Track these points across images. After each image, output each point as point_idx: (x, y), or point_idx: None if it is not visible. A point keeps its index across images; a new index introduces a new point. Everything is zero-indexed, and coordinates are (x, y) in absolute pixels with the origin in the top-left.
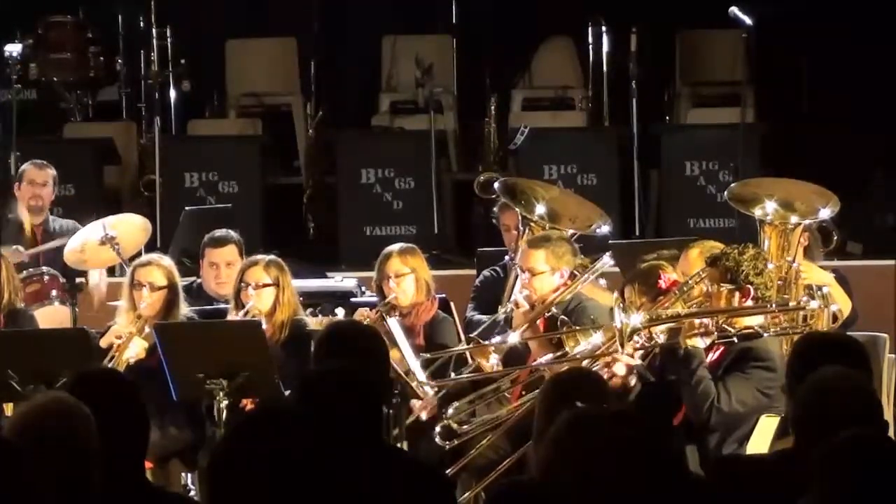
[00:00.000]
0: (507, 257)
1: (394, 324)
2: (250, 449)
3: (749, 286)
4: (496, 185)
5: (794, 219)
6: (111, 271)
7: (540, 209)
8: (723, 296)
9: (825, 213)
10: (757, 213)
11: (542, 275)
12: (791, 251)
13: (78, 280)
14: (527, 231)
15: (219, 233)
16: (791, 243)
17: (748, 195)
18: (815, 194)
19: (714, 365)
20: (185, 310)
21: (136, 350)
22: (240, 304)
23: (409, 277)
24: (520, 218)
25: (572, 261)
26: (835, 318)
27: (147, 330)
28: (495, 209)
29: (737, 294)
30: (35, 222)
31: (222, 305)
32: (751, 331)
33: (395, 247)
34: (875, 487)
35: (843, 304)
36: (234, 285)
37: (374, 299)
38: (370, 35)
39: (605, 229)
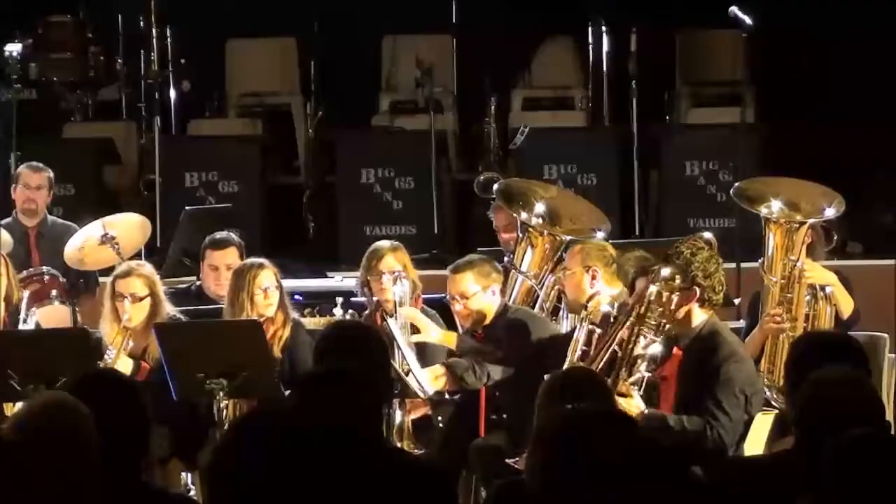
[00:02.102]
0: (505, 258)
1: (393, 324)
2: (250, 449)
3: (696, 288)
4: (494, 189)
5: (799, 218)
6: (111, 271)
7: (539, 208)
8: (672, 294)
9: (830, 213)
10: (763, 211)
11: (475, 296)
12: (795, 250)
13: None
14: (526, 237)
15: (220, 235)
16: (795, 242)
17: (754, 193)
18: (820, 195)
19: (678, 365)
20: (170, 310)
21: (121, 370)
22: (244, 309)
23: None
24: (518, 223)
25: (499, 278)
26: (837, 317)
27: (131, 344)
28: (489, 212)
29: (678, 295)
30: (29, 225)
31: (216, 306)
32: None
33: (386, 244)
34: (882, 487)
35: (846, 304)
36: (241, 289)
37: (341, 299)
38: (370, 35)
39: (600, 235)
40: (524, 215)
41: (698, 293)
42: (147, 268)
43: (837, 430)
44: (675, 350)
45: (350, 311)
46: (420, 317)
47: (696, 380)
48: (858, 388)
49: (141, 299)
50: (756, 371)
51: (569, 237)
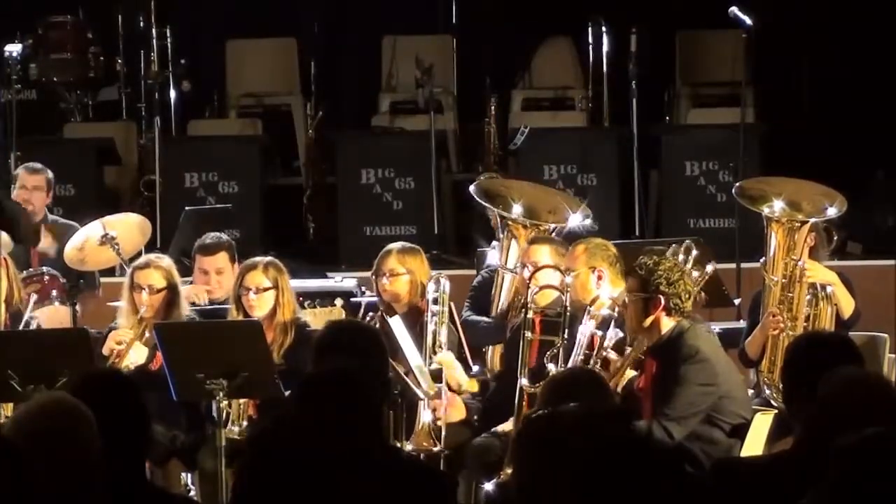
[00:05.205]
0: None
1: (395, 323)
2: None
3: (660, 296)
4: (471, 189)
5: (801, 217)
6: (111, 271)
7: (517, 208)
8: (637, 304)
9: (832, 213)
10: (764, 210)
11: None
12: (797, 250)
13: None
14: (507, 233)
15: (210, 239)
16: (797, 242)
17: (756, 192)
18: (822, 195)
19: (654, 378)
20: (186, 310)
21: (135, 356)
22: (240, 308)
23: (402, 278)
24: (498, 220)
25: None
26: (838, 317)
27: (147, 335)
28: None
29: (649, 303)
30: None
31: (222, 306)
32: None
33: (397, 245)
34: (888, 487)
35: (846, 304)
36: (233, 289)
37: (375, 299)
38: (370, 35)
39: (587, 222)
40: (503, 212)
41: (663, 301)
42: (166, 261)
43: (859, 428)
44: (648, 361)
45: (369, 314)
46: (454, 365)
47: (662, 386)
48: (884, 388)
49: (159, 291)
50: (732, 369)
51: (553, 225)
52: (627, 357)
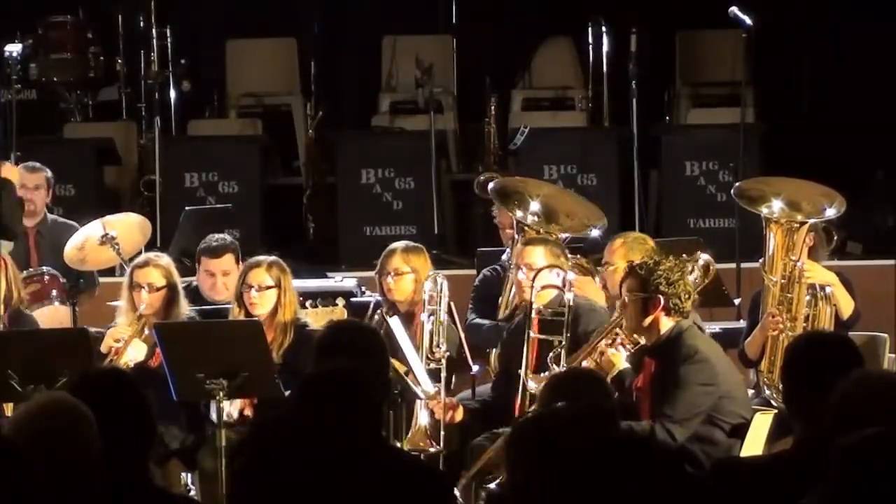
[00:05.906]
0: (504, 256)
1: (395, 323)
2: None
3: (660, 296)
4: (489, 187)
5: (800, 218)
6: (111, 271)
7: (534, 206)
8: (636, 304)
9: (831, 213)
10: (763, 210)
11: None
12: (796, 250)
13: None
14: (521, 235)
15: (215, 241)
16: (796, 242)
17: (755, 193)
18: (821, 195)
19: (653, 378)
20: (186, 309)
21: (134, 353)
22: (242, 305)
23: (407, 277)
24: (514, 221)
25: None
26: (837, 318)
27: (146, 332)
28: (494, 209)
29: (648, 303)
30: (29, 225)
31: (223, 305)
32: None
33: (401, 244)
34: (890, 486)
35: (846, 304)
36: (235, 287)
37: (375, 299)
38: (370, 35)
39: (595, 233)
40: (519, 214)
41: (662, 301)
42: (165, 259)
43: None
44: (647, 360)
45: (377, 314)
46: None
47: (661, 386)
48: (886, 388)
49: (158, 290)
50: (732, 369)
51: (566, 234)
52: (603, 332)
